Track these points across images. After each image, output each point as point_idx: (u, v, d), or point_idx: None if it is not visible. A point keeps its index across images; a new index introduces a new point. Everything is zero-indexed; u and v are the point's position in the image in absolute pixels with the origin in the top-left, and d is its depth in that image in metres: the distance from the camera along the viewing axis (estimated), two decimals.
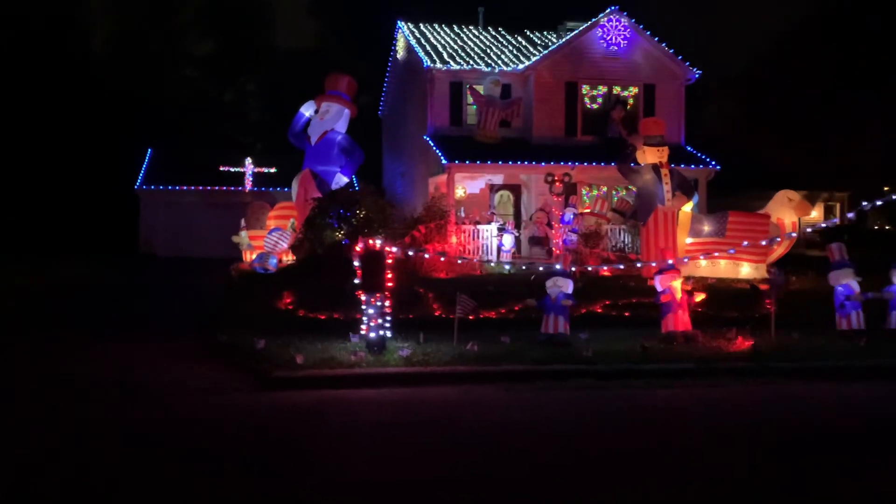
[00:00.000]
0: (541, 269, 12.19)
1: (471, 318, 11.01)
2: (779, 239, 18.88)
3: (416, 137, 25.19)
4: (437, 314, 13.58)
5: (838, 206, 36.19)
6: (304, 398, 8.77)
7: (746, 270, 19.41)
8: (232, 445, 6.94)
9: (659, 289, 10.95)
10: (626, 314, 13.65)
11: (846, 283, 10.90)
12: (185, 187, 31.34)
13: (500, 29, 27.37)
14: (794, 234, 19.18)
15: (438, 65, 23.26)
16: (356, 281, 10.04)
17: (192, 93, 42.60)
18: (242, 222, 24.87)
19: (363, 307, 10.05)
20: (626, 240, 22.41)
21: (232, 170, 31.82)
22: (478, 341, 10.46)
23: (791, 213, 20.02)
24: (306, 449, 6.84)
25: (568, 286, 10.82)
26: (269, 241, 21.31)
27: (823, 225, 18.56)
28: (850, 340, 10.57)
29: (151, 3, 43.86)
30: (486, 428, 7.47)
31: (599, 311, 14.48)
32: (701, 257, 19.65)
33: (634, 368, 9.53)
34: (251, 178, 31.52)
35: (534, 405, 8.49)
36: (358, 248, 9.93)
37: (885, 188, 39.42)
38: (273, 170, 32.37)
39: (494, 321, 12.90)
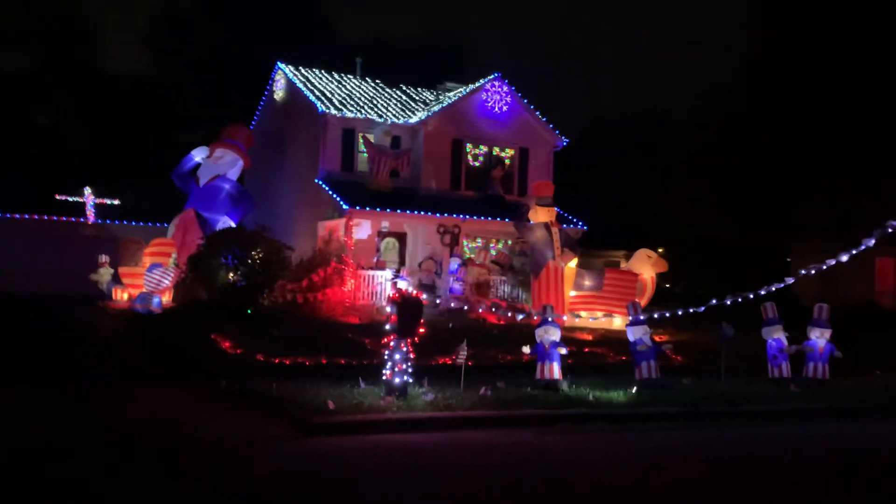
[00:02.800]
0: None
1: (460, 363, 11.34)
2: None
3: (301, 180, 25.02)
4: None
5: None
6: (350, 444, 8.72)
7: (618, 322, 21.50)
8: (323, 493, 6.91)
9: (632, 339, 12.11)
10: (570, 361, 14.64)
11: (777, 337, 12.77)
12: (15, 215, 28.25)
13: (377, 81, 28.11)
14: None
15: (333, 111, 23.49)
16: (387, 326, 10.15)
17: (5, 111, 38.62)
18: (102, 258, 23.15)
19: (388, 352, 10.16)
20: (507, 290, 23.76)
21: (70, 199, 29.36)
22: (478, 386, 10.92)
23: (650, 269, 22.49)
24: (396, 497, 6.92)
25: (557, 334, 11.65)
26: (152, 280, 20.14)
27: None
28: (783, 387, 12.38)
29: None
30: (547, 470, 8.02)
31: (525, 359, 15.33)
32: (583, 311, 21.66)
33: (641, 412, 10.53)
34: (93, 210, 29.21)
35: (575, 448, 9.12)
36: (393, 294, 10.08)
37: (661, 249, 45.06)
38: (116, 201, 30.27)
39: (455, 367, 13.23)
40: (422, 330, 10.21)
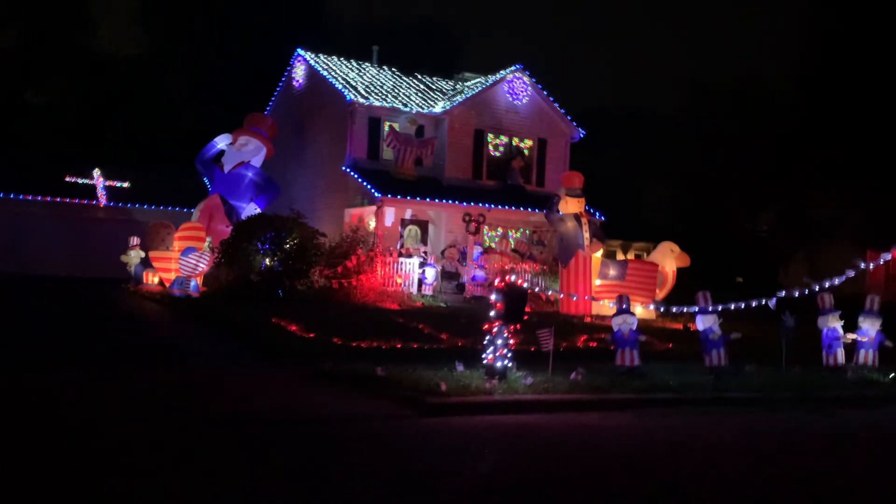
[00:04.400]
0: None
1: (545, 350, 11.73)
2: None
3: (323, 168, 25.18)
4: (459, 344, 14.16)
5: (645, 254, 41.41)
6: (468, 423, 9.04)
7: (640, 311, 22.14)
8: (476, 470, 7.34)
9: (702, 327, 12.65)
10: (612, 348, 15.13)
11: (833, 326, 13.44)
12: (28, 196, 27.91)
13: (394, 69, 28.28)
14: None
15: (360, 99, 23.67)
16: (491, 313, 10.53)
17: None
18: (132, 241, 23.12)
19: (490, 337, 10.56)
20: (527, 278, 24.24)
21: (80, 181, 29.13)
22: (556, 372, 11.37)
23: (672, 262, 23.16)
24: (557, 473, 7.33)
25: (634, 323, 12.16)
26: (188, 265, 20.20)
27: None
28: (840, 374, 13.07)
29: None
30: (669, 449, 8.53)
31: (580, 345, 15.89)
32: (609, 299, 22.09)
33: (722, 397, 11.10)
34: (104, 192, 29.00)
35: (686, 429, 9.62)
36: (499, 283, 10.46)
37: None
38: (126, 184, 30.09)
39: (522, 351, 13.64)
40: (525, 317, 10.60)
